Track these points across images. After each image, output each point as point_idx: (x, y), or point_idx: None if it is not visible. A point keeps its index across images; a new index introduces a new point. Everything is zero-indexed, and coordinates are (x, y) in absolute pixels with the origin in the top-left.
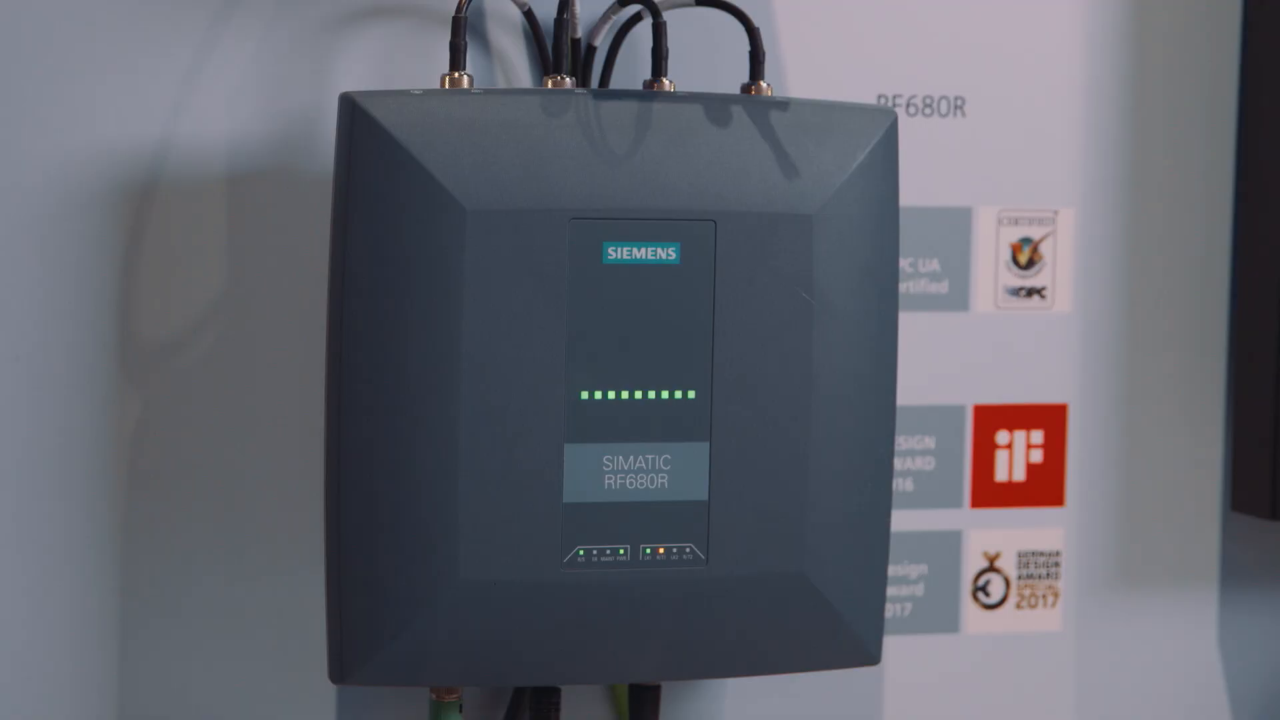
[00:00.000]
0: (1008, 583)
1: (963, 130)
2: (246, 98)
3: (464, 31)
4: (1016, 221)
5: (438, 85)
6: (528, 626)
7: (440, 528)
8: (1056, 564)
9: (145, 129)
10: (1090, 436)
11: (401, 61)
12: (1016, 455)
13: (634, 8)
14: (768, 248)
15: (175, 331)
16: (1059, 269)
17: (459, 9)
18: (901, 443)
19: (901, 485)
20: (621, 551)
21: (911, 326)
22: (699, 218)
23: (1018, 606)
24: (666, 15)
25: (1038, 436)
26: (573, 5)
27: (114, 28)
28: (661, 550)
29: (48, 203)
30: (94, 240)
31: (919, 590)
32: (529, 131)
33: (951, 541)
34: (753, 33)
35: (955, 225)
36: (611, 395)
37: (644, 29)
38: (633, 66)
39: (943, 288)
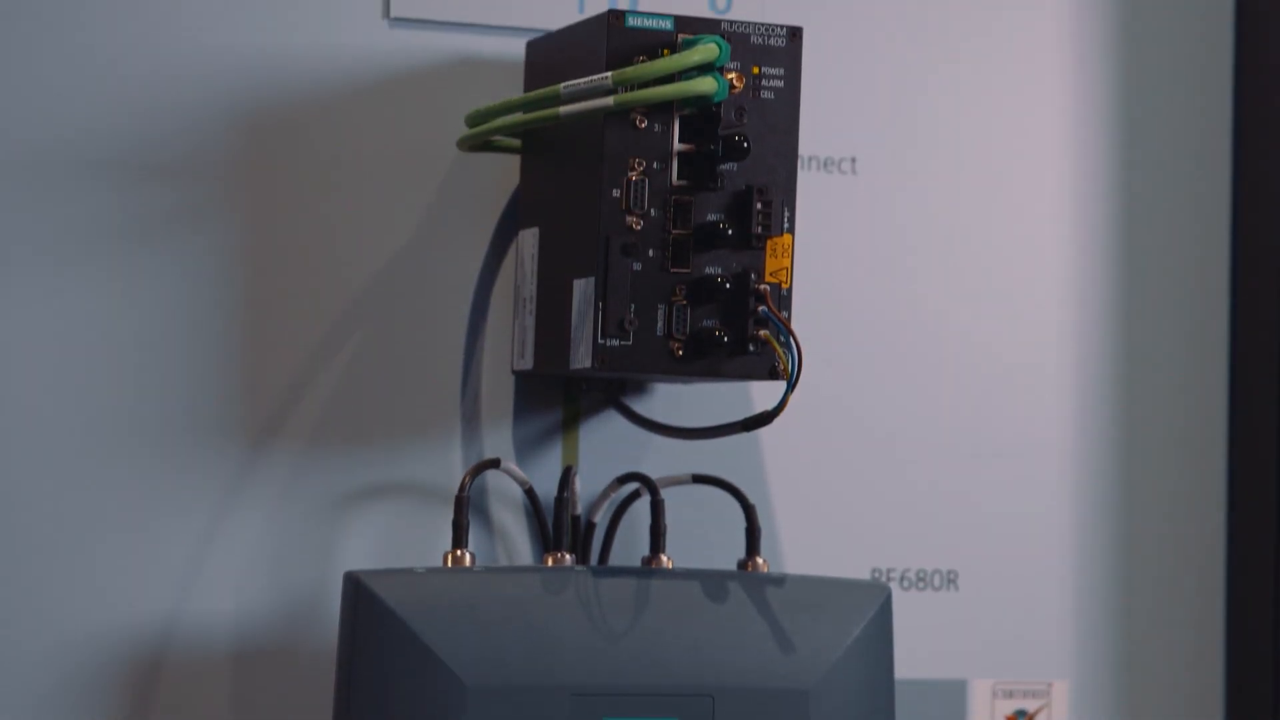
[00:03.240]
0: None
1: (956, 603)
2: (253, 575)
3: (466, 509)
4: (1011, 694)
5: (440, 562)
6: None
7: None
8: None
9: (153, 606)
10: None
11: (405, 538)
12: None
13: (633, 485)
14: None
15: None
16: None
17: (462, 488)
18: None
19: None
20: None
21: None
22: (697, 693)
23: None
24: (665, 493)
25: None
26: (573, 483)
27: (124, 506)
28: None
29: (50, 680)
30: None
31: None
32: (529, 608)
33: None
34: (749, 509)
35: (950, 698)
36: None
37: (643, 505)
38: (632, 542)
39: None
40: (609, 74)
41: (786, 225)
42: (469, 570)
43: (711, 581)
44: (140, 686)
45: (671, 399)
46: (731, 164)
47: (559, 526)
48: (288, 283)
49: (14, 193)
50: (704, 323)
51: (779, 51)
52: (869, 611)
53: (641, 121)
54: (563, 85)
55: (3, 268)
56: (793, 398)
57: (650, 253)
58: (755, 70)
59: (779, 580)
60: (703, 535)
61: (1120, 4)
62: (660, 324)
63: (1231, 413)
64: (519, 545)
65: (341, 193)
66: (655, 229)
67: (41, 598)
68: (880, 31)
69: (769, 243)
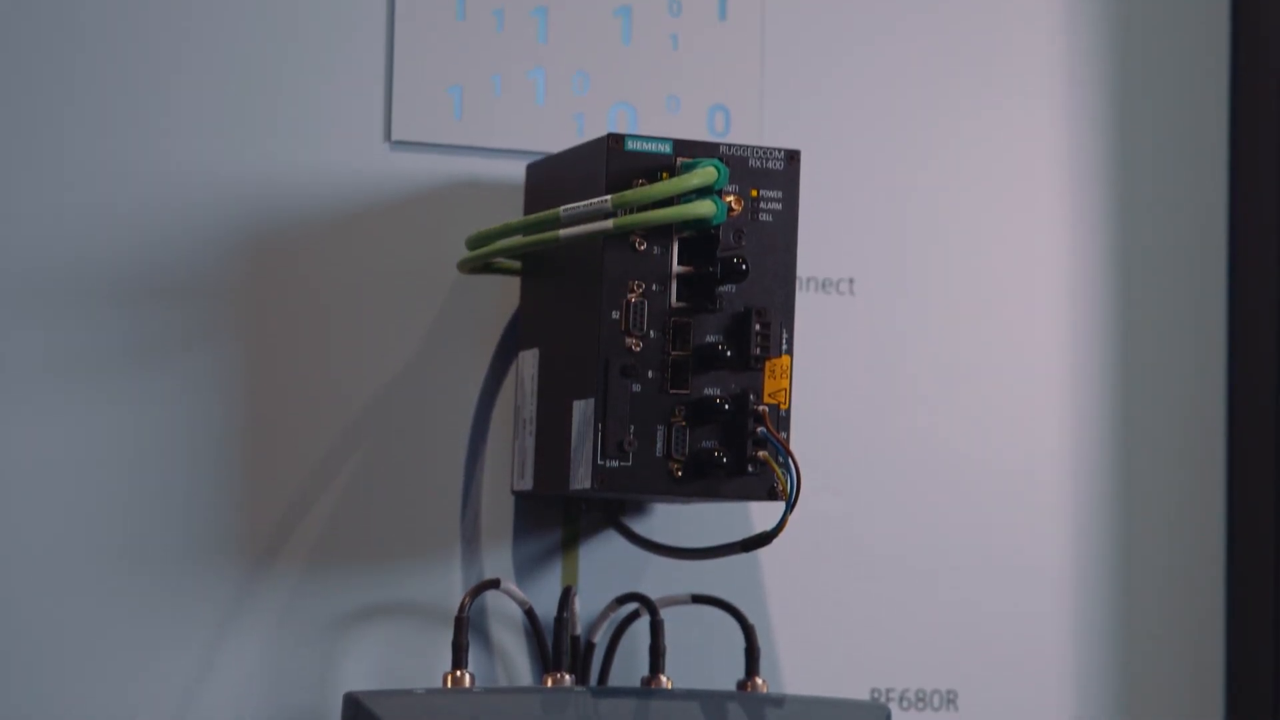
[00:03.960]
0: None
1: None
2: (253, 695)
3: (466, 630)
4: None
5: (440, 683)
6: None
7: None
8: None
9: None
10: None
11: (405, 659)
12: None
13: (632, 605)
14: None
15: None
16: None
17: (461, 609)
18: None
19: None
20: None
21: None
22: None
23: None
24: (664, 613)
25: None
26: (572, 603)
27: (124, 626)
28: None
29: None
30: None
31: None
32: None
33: None
34: (748, 630)
35: None
36: None
37: (642, 625)
38: (631, 662)
39: None
40: (608, 197)
41: (785, 346)
42: (469, 691)
43: (711, 702)
44: None
45: (671, 519)
46: (730, 286)
47: (559, 647)
48: (288, 403)
49: (14, 314)
50: (703, 444)
51: (777, 174)
52: None
53: (641, 244)
54: (562, 209)
55: (3, 389)
56: (791, 518)
57: (649, 374)
58: (754, 193)
59: (779, 701)
60: (702, 655)
61: (1116, 130)
62: (659, 445)
63: (1230, 542)
64: (519, 666)
65: (342, 314)
66: (654, 350)
67: (36, 700)
68: (878, 153)
69: (767, 364)
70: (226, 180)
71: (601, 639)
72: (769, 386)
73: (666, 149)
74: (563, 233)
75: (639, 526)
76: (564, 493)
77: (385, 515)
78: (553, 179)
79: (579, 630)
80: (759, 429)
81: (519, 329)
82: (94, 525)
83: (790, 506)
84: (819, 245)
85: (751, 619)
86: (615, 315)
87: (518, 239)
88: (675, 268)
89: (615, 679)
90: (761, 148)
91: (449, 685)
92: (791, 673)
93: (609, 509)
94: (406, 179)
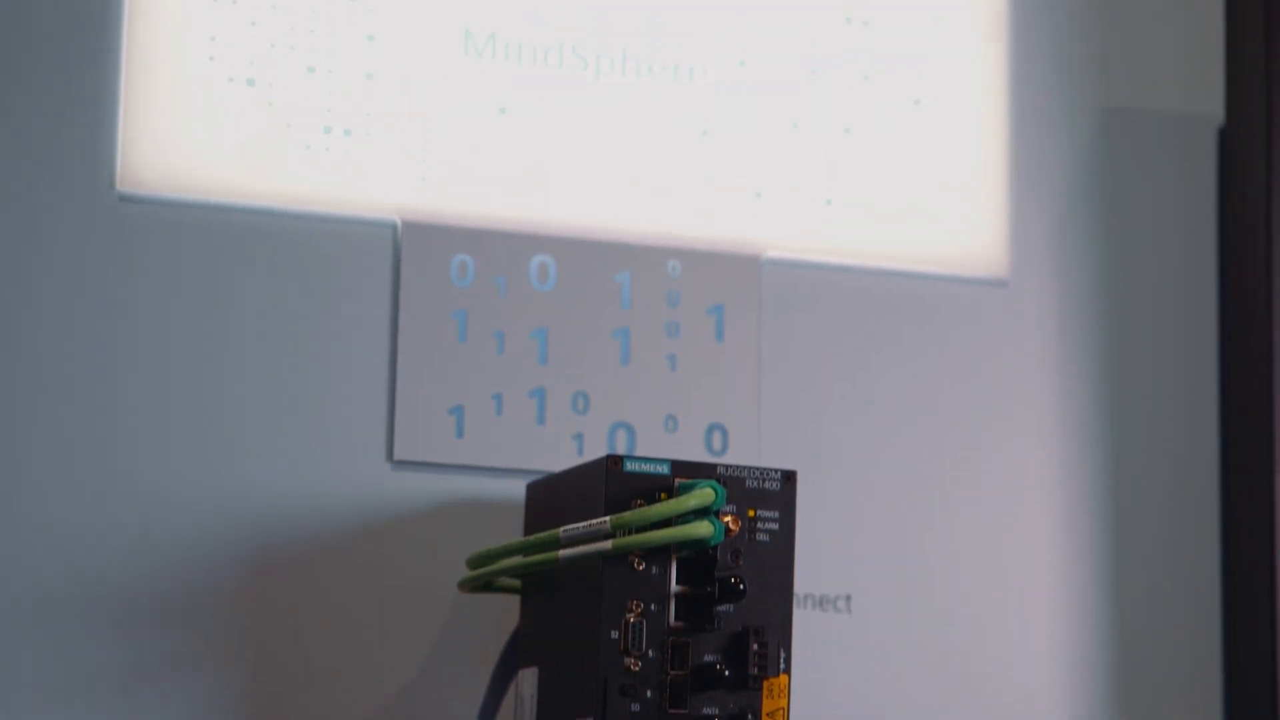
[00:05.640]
0: None
1: None
2: None
3: None
4: None
5: None
6: None
7: None
8: None
9: None
10: None
11: None
12: None
13: None
14: None
15: None
16: None
17: None
18: None
19: None
20: None
21: None
22: None
23: None
24: None
25: None
26: None
27: None
28: None
29: None
30: None
31: None
32: None
33: None
34: None
35: None
36: None
37: None
38: None
39: None
40: (607, 519)
41: (783, 665)
42: None
43: None
44: None
45: None
46: (728, 605)
47: None
48: None
49: (21, 633)
50: None
51: (774, 495)
52: None
53: (639, 564)
54: (562, 530)
55: (10, 709)
56: None
57: (648, 694)
58: (751, 513)
59: None
60: None
61: (1112, 455)
62: None
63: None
64: None
65: (344, 633)
66: (653, 670)
67: None
68: (873, 472)
69: (765, 683)
70: (230, 499)
71: None
72: (767, 706)
73: (665, 470)
74: (562, 554)
75: None
76: None
77: None
78: (553, 498)
79: None
80: None
81: (519, 647)
82: None
83: None
84: (816, 562)
85: None
86: (614, 635)
87: (518, 559)
88: (673, 587)
89: None
90: (758, 468)
91: None
92: None
93: None
94: (408, 498)
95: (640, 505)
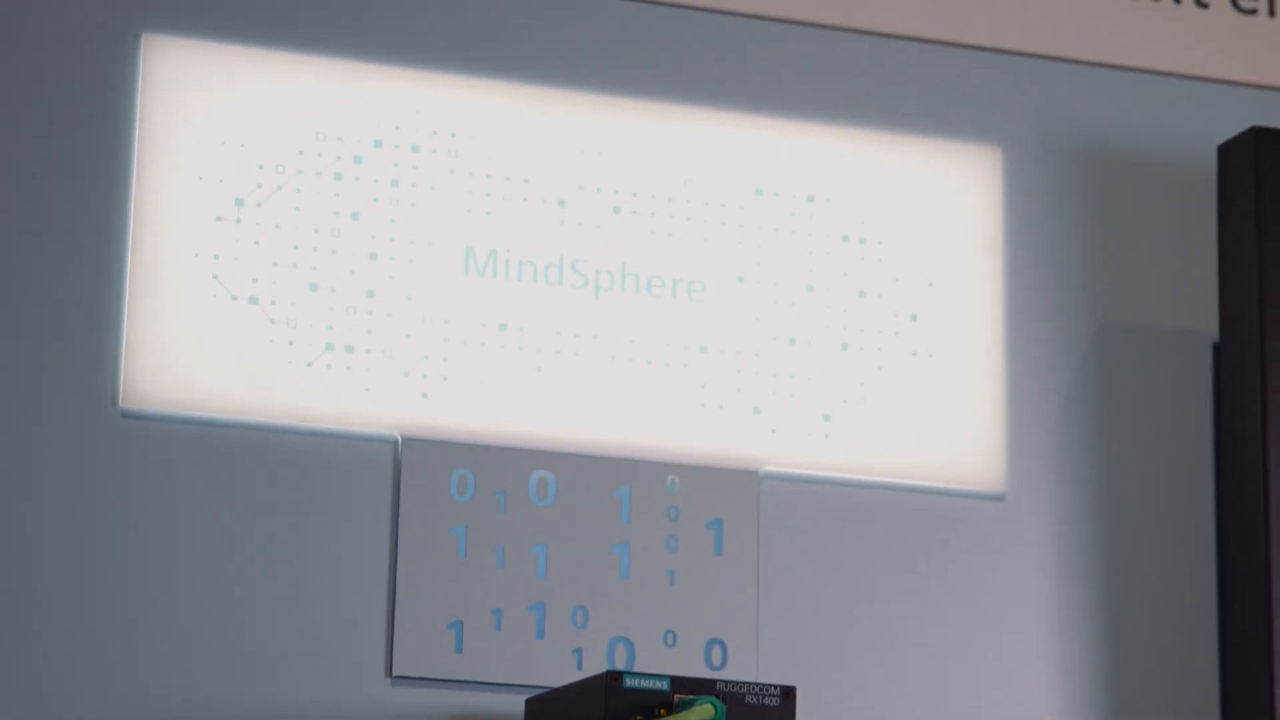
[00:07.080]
0: None
1: None
2: None
3: None
4: None
5: None
6: None
7: None
8: None
9: None
10: None
11: None
12: None
13: None
14: None
15: None
16: None
17: None
18: None
19: None
20: None
21: None
22: None
23: None
24: None
25: None
26: None
27: None
28: None
29: None
30: None
31: None
32: None
33: None
34: None
35: None
36: None
37: None
38: None
39: None
40: None
41: None
42: None
43: None
44: None
45: None
46: None
47: None
48: None
49: None
50: None
51: (773, 710)
52: None
53: None
54: None
55: None
56: None
57: None
58: None
59: None
60: None
61: (1108, 670)
62: None
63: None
64: None
65: None
66: None
67: None
68: (873, 686)
69: None
70: (228, 715)
71: None
72: None
73: (664, 686)
74: None
75: None
76: None
77: None
78: (552, 714)
79: None
80: None
81: None
82: None
83: None
84: None
85: None
86: None
87: None
88: None
89: None
90: (758, 684)
91: None
92: None
93: None
94: (407, 714)
95: None
